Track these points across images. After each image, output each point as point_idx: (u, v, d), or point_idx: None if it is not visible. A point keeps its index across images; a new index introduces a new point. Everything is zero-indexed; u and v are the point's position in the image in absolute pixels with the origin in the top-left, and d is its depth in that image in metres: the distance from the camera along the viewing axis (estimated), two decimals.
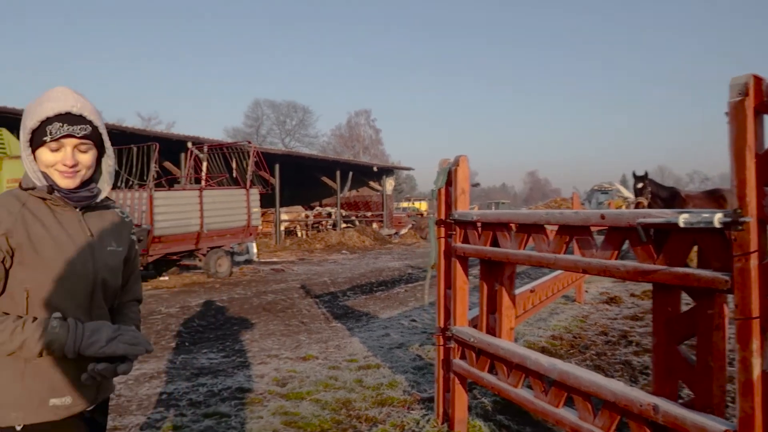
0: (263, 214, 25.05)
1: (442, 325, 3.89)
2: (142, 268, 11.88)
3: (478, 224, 3.51)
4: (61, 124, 1.57)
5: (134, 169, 12.73)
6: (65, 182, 1.62)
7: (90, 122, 1.63)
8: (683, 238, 2.18)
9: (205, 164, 15.49)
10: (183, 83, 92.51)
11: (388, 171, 31.78)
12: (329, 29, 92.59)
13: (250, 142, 14.65)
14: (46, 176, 1.62)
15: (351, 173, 30.58)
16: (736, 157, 1.94)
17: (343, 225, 27.82)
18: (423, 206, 41.55)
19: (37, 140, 1.59)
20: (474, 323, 3.84)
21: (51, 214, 1.63)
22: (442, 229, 3.88)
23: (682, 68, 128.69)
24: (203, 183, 14.70)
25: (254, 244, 17.58)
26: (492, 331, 3.55)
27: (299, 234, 26.41)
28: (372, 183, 31.81)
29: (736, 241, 1.95)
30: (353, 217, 29.28)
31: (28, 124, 1.58)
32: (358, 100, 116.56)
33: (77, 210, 1.68)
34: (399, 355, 5.74)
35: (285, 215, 26.07)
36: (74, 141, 1.60)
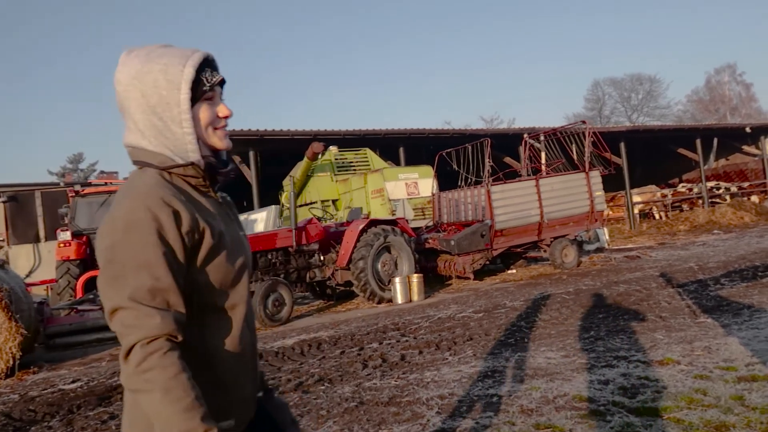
0: (612, 198, 23.25)
1: None
2: (488, 262, 12.11)
3: None
4: (210, 69, 1.27)
5: (471, 167, 13.13)
6: (225, 142, 1.32)
7: None
8: None
9: (543, 153, 15.10)
10: (519, 80, 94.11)
11: (766, 130, 25.89)
12: None
13: (584, 122, 13.63)
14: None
15: (716, 140, 25.95)
16: None
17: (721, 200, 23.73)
18: None
19: (193, 96, 1.24)
20: None
21: (201, 196, 1.30)
22: None
23: None
24: (543, 171, 14.32)
25: (605, 231, 16.35)
26: None
27: (657, 216, 23.66)
28: (746, 148, 26.40)
29: None
30: (722, 191, 24.70)
31: (182, 79, 1.21)
32: (718, 54, 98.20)
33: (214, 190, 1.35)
34: None
35: (637, 197, 23.64)
36: (220, 87, 1.30)
